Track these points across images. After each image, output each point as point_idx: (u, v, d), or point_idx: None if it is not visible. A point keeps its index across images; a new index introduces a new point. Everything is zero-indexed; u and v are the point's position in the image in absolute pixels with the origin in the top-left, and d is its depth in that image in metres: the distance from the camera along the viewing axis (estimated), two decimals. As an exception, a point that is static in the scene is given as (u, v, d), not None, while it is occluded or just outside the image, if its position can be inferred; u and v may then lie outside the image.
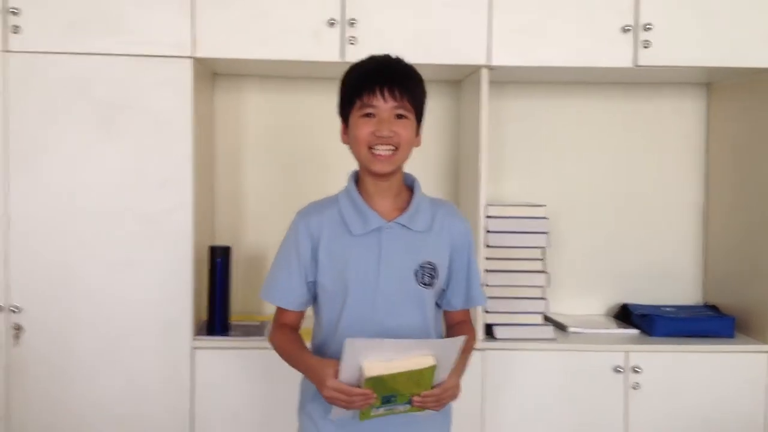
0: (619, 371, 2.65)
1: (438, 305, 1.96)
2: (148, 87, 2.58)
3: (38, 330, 2.58)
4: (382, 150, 1.81)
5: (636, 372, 2.65)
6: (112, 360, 2.60)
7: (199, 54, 2.59)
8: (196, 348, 2.61)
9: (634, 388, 2.66)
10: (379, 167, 1.82)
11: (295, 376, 2.58)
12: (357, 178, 1.92)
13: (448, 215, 1.93)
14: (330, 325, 1.89)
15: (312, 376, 1.81)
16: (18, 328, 2.56)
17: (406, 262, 1.85)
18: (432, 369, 1.69)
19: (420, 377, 1.69)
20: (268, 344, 2.58)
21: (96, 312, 2.59)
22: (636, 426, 2.67)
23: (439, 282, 1.90)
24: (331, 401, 1.73)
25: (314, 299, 1.94)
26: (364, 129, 1.81)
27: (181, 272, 2.61)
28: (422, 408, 1.75)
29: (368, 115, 1.81)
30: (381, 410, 1.74)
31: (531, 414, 2.68)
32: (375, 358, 1.66)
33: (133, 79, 2.57)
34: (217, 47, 2.60)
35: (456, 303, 1.96)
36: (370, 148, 1.81)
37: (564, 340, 2.75)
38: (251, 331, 2.73)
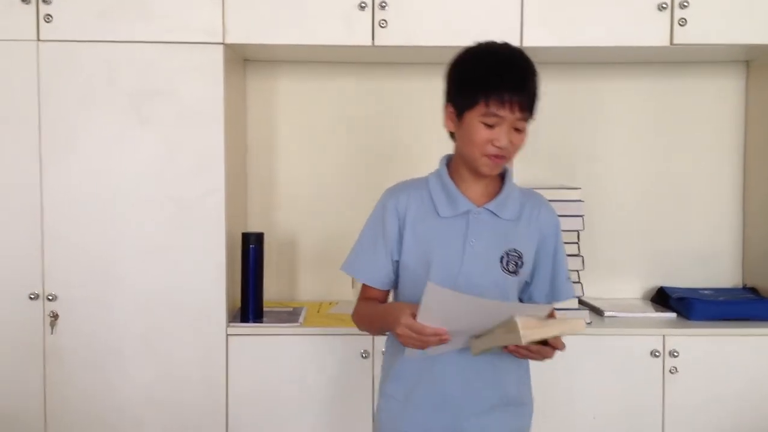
0: (657, 355, 2.62)
1: (521, 301, 1.93)
2: (180, 73, 2.58)
3: (74, 317, 2.60)
4: (494, 156, 1.77)
5: (673, 356, 2.61)
6: (146, 346, 2.62)
7: (230, 40, 2.58)
8: (230, 334, 2.62)
9: (672, 373, 2.62)
10: (488, 171, 1.80)
11: (331, 363, 2.60)
12: (448, 162, 1.90)
13: (536, 205, 1.91)
14: None
15: (388, 318, 1.78)
16: (54, 316, 2.59)
17: (492, 248, 1.83)
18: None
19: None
20: (301, 330, 2.62)
21: (130, 299, 2.61)
22: (674, 410, 2.64)
23: (524, 272, 1.87)
24: (404, 340, 1.71)
25: (395, 279, 1.93)
26: (482, 135, 1.75)
27: (215, 259, 2.62)
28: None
29: (490, 123, 1.75)
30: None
31: (567, 398, 2.65)
32: (526, 316, 1.64)
33: (164, 66, 2.58)
34: (247, 33, 2.59)
35: (538, 297, 1.92)
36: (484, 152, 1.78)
37: (600, 325, 2.72)
38: (285, 317, 2.73)
